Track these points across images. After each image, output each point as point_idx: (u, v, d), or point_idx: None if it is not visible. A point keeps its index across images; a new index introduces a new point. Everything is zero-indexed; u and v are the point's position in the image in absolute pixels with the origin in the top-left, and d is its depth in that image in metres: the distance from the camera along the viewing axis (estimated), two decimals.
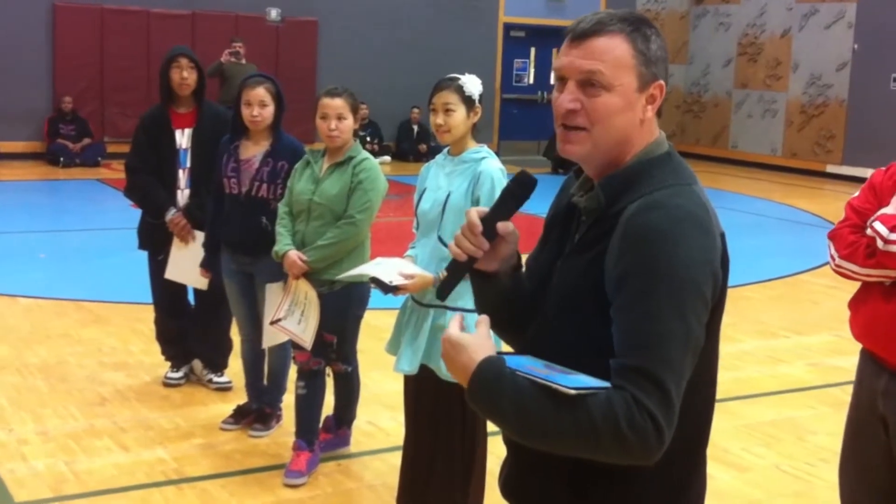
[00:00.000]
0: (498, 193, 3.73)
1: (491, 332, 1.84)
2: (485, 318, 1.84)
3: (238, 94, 4.80)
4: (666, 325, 1.68)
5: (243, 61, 13.75)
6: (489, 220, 1.87)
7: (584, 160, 1.87)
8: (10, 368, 5.87)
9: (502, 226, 1.88)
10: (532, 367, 1.74)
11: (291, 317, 4.42)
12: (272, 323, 4.49)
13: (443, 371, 3.78)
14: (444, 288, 1.95)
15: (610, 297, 1.74)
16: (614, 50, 1.78)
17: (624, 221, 1.74)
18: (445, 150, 3.91)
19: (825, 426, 5.27)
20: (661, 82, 1.83)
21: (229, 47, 14.25)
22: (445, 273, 1.98)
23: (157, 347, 5.80)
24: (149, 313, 5.87)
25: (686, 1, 20.45)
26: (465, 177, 3.76)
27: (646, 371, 1.66)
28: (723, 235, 1.81)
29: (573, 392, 1.64)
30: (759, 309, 7.97)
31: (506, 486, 1.99)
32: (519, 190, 1.90)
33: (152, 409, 5.32)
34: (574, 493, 1.84)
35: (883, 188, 3.00)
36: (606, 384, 1.68)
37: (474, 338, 1.78)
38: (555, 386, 1.65)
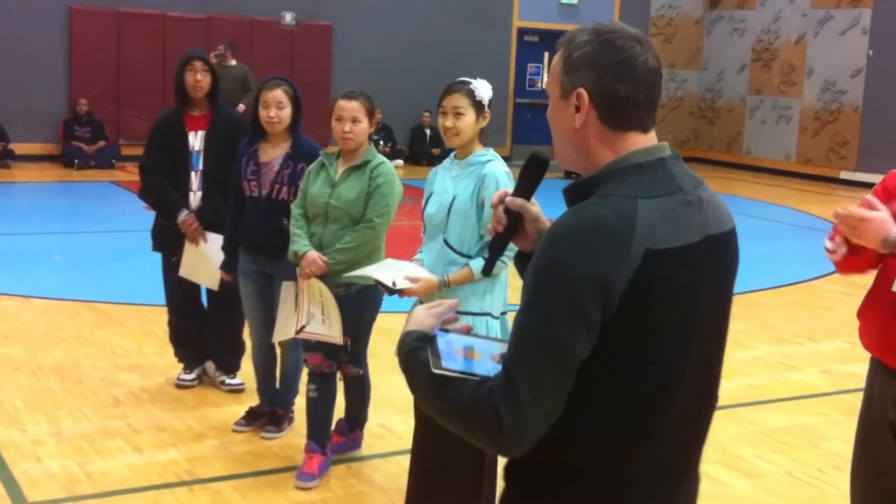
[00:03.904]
0: None
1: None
2: (450, 303, 1.99)
3: (256, 97, 4.83)
4: (530, 323, 1.74)
5: (233, 62, 13.69)
6: (510, 203, 2.01)
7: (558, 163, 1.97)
8: (25, 369, 5.90)
9: (511, 200, 2.00)
10: (455, 344, 1.87)
11: (314, 320, 4.42)
12: (298, 332, 4.47)
13: None
14: (487, 265, 2.21)
15: None
16: (554, 64, 1.89)
17: None
18: (452, 153, 3.93)
19: (838, 433, 5.25)
20: (580, 90, 1.83)
21: (243, 50, 14.29)
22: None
23: (170, 349, 5.82)
24: (163, 315, 5.89)
25: (701, 6, 20.43)
26: (471, 180, 3.79)
27: (506, 364, 1.75)
28: (659, 252, 1.75)
29: (436, 372, 1.78)
30: (772, 315, 7.95)
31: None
32: (529, 169, 2.01)
33: (165, 410, 5.34)
34: (528, 491, 1.89)
35: None
36: (488, 374, 1.77)
37: (416, 311, 1.97)
38: (429, 360, 1.80)
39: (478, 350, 1.86)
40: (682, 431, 1.87)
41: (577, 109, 1.84)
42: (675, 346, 1.80)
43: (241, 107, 13.11)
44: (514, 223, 2.02)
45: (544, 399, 1.72)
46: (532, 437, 1.75)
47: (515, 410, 1.70)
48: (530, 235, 2.04)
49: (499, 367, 1.77)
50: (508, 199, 2.00)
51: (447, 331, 1.93)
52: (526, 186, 2.01)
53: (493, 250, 2.09)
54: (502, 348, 1.85)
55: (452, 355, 1.82)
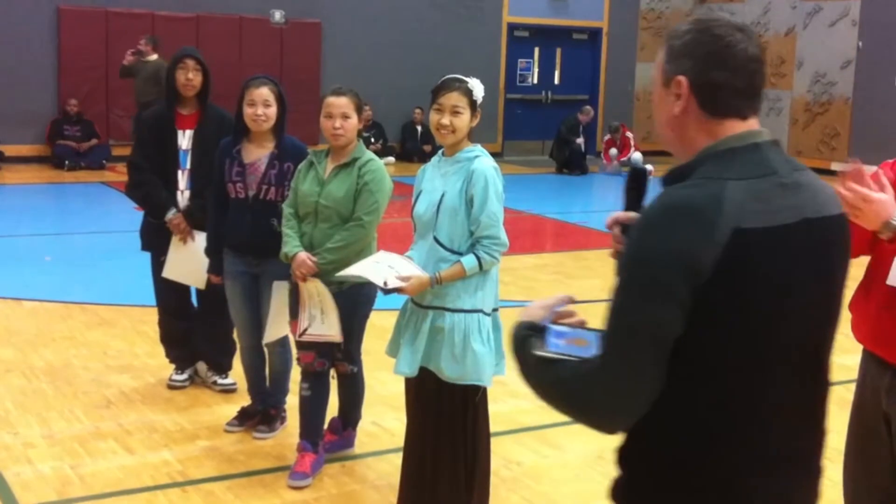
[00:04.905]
0: (491, 191, 3.79)
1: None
2: (562, 297, 2.03)
3: (240, 96, 4.79)
4: (621, 303, 1.80)
5: (154, 57, 13.71)
6: (623, 219, 2.06)
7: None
8: (16, 371, 5.88)
9: (624, 217, 2.04)
10: (565, 335, 1.91)
11: (315, 321, 4.39)
12: (300, 336, 4.43)
13: (444, 373, 3.78)
14: None
15: None
16: (659, 55, 1.97)
17: None
18: (441, 151, 3.93)
19: (829, 424, 5.24)
20: (680, 78, 1.88)
21: (225, 48, 14.27)
22: None
23: (162, 350, 5.80)
24: (154, 316, 5.86)
25: (690, 0, 20.43)
26: (459, 176, 3.79)
27: (603, 346, 1.82)
28: (748, 231, 1.77)
29: (537, 354, 1.88)
30: None
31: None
32: (632, 182, 2.09)
33: (157, 411, 5.32)
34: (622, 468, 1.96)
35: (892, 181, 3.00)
36: (587, 355, 1.83)
37: (530, 305, 2.03)
38: (534, 346, 1.89)
39: (586, 338, 1.91)
40: (788, 418, 1.90)
41: (678, 97, 1.90)
42: (769, 326, 1.82)
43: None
44: None
45: (639, 377, 1.78)
46: (630, 415, 1.82)
47: (611, 389, 1.79)
48: None
49: (593, 351, 1.85)
50: (621, 216, 2.04)
51: (563, 325, 1.99)
52: (633, 199, 2.08)
53: None
54: None
55: (560, 343, 1.90)
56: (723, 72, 1.86)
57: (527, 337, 1.94)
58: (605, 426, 1.86)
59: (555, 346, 1.88)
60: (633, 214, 2.02)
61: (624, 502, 1.95)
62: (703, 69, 1.87)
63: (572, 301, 2.03)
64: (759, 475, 1.87)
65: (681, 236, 1.76)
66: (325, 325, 4.37)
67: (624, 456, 1.95)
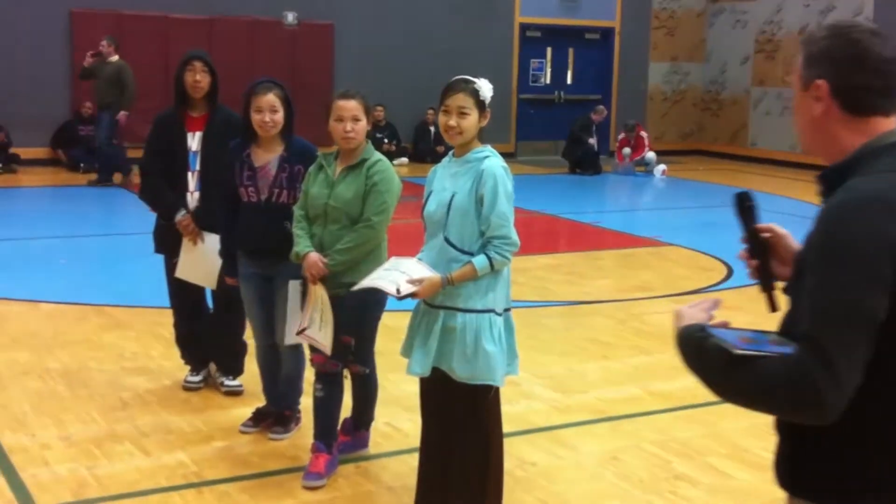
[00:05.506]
0: (501, 190, 3.80)
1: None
2: (714, 299, 2.16)
3: (247, 101, 4.80)
4: (829, 294, 1.87)
5: (115, 58, 13.73)
6: (746, 239, 2.24)
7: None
8: (32, 374, 5.91)
9: (748, 237, 2.23)
10: (738, 335, 1.98)
11: (314, 324, 4.42)
12: (299, 333, 4.49)
13: (455, 373, 3.78)
14: (770, 304, 2.24)
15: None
16: (796, 62, 2.11)
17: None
18: (451, 152, 3.94)
19: None
20: (819, 82, 2.01)
21: (237, 50, 14.32)
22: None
23: (177, 352, 5.83)
24: (169, 318, 5.89)
25: None
26: (469, 176, 3.80)
27: (813, 337, 1.86)
28: None
29: (738, 353, 1.91)
30: (782, 305, 7.91)
31: (775, 472, 2.13)
32: (736, 208, 2.24)
33: (173, 412, 5.34)
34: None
35: None
36: (784, 350, 1.90)
37: (686, 309, 2.13)
38: (725, 345, 1.93)
39: (750, 336, 1.99)
40: None
41: (818, 99, 2.04)
42: None
43: (124, 114, 13.17)
44: (762, 251, 2.23)
45: (855, 363, 1.86)
46: (845, 402, 1.87)
47: (833, 378, 1.84)
48: (784, 257, 2.23)
49: (785, 348, 1.91)
50: (743, 238, 2.23)
51: (718, 327, 2.07)
52: (745, 222, 2.23)
53: (764, 285, 2.23)
54: (773, 335, 1.99)
55: (737, 341, 1.95)
56: (862, 73, 2.00)
57: (704, 339, 2.00)
58: (821, 416, 1.88)
59: (746, 345, 1.92)
60: (756, 233, 2.20)
61: (794, 478, 2.04)
62: (842, 72, 2.01)
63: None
64: None
65: (881, 225, 1.87)
66: (322, 334, 4.40)
67: (792, 432, 2.03)
